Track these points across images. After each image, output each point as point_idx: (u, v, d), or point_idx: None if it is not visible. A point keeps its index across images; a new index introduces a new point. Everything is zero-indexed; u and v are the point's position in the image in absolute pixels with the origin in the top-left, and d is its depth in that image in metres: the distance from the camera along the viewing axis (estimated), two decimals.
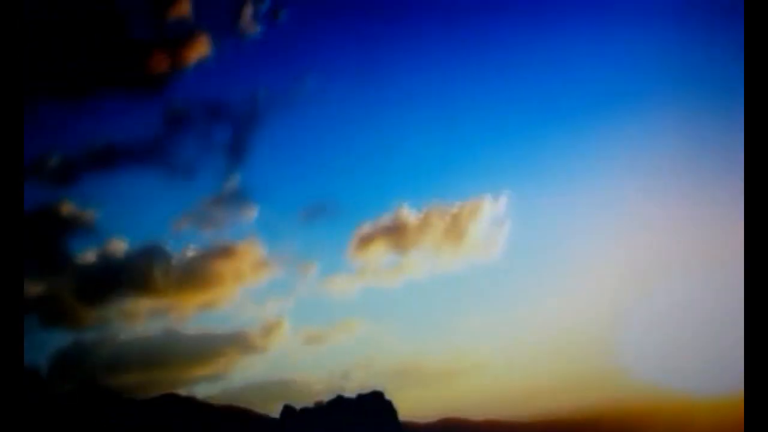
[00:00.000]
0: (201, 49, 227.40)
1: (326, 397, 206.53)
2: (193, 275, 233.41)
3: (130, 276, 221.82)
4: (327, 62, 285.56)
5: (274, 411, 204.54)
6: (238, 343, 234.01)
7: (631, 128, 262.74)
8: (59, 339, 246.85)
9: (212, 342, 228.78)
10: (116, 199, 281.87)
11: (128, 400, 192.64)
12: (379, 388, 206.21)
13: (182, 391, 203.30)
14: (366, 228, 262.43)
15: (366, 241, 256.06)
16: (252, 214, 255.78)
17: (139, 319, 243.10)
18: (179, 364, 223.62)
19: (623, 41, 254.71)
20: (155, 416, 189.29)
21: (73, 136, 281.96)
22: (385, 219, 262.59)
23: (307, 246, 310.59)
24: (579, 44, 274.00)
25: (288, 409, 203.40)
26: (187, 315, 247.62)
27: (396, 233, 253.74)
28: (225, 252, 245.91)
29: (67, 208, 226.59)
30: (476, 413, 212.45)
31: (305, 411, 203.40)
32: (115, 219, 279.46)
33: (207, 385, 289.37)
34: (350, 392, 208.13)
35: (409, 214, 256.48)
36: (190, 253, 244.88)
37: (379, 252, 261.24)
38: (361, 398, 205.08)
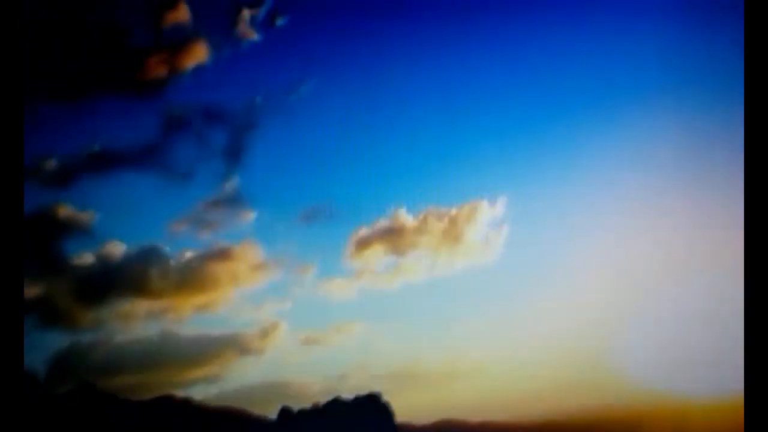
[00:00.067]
0: (199, 53, 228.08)
1: (323, 399, 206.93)
2: (191, 277, 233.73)
3: (128, 278, 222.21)
4: (324, 67, 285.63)
5: (271, 413, 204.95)
6: (235, 345, 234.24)
7: (630, 130, 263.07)
8: (56, 340, 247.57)
9: (209, 344, 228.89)
10: (114, 201, 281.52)
11: (125, 402, 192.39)
12: (376, 390, 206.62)
13: (179, 393, 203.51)
14: (363, 231, 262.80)
15: (363, 243, 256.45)
16: (249, 216, 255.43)
17: (137, 321, 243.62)
18: (176, 365, 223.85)
19: (623, 41, 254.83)
20: (152, 418, 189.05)
21: (71, 139, 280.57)
22: (383, 222, 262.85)
23: (304, 248, 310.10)
24: (578, 44, 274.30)
25: (285, 411, 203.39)
26: (185, 317, 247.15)
27: (393, 236, 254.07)
28: (222, 254, 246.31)
29: (65, 210, 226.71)
30: (473, 416, 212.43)
31: (302, 413, 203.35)
32: (113, 221, 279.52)
33: (204, 387, 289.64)
34: (347, 394, 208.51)
35: (406, 216, 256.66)
36: (188, 255, 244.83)
37: (377, 255, 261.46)
38: (358, 400, 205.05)
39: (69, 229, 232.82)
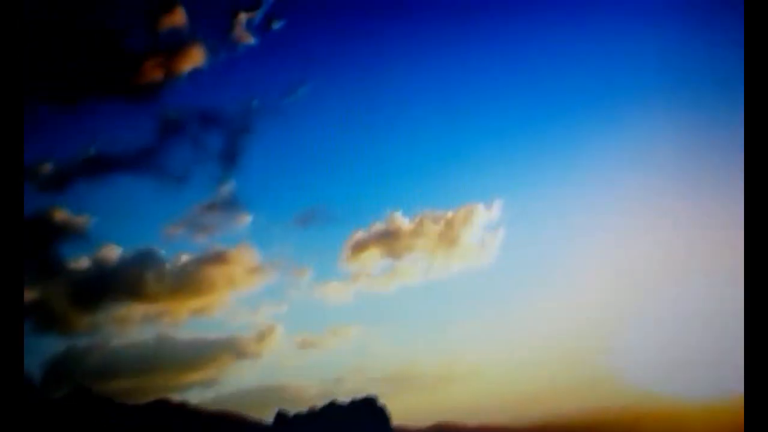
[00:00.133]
0: (195, 57, 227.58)
1: (319, 403, 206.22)
2: (187, 281, 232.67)
3: (124, 282, 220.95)
4: (319, 71, 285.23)
5: (267, 416, 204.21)
6: (231, 348, 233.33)
7: (629, 130, 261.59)
8: (52, 344, 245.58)
9: (205, 348, 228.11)
10: (109, 205, 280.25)
11: (121, 406, 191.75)
12: (372, 394, 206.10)
13: (175, 397, 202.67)
14: (359, 234, 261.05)
15: (360, 246, 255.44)
16: (245, 220, 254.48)
17: (132, 325, 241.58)
18: (172, 369, 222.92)
19: (623, 41, 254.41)
20: (148, 422, 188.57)
21: (67, 143, 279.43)
22: (379, 225, 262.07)
23: (300, 252, 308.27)
24: (577, 44, 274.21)
25: (281, 415, 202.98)
26: (180, 321, 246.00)
27: (390, 239, 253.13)
28: (218, 258, 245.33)
29: (61, 214, 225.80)
30: (470, 419, 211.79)
31: (298, 416, 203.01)
32: (109, 225, 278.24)
33: (200, 391, 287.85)
34: (344, 397, 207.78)
35: (402, 220, 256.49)
36: (184, 259, 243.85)
37: (373, 258, 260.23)
38: (355, 404, 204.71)
39: (64, 232, 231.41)
